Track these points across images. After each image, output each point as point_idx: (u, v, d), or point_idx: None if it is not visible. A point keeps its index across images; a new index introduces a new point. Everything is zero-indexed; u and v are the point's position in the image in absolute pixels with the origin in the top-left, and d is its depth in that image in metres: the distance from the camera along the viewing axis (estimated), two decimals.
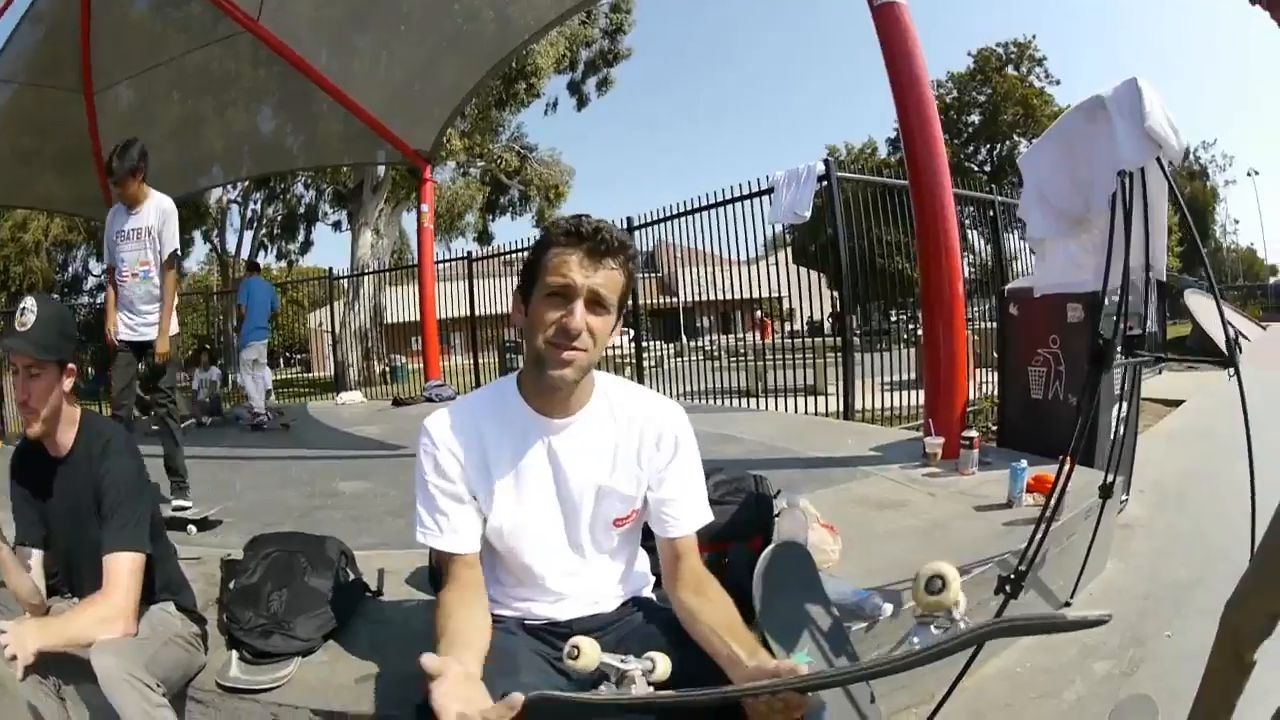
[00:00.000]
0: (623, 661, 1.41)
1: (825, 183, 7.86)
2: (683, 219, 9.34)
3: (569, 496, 1.77)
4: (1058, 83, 37.40)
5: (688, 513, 1.83)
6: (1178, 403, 8.84)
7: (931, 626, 1.45)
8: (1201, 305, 14.51)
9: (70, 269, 30.60)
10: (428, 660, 1.29)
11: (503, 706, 1.18)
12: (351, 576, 2.63)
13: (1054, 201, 3.18)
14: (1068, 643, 3.30)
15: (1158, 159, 2.78)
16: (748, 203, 8.61)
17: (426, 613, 2.36)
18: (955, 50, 40.04)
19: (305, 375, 26.80)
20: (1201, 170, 48.76)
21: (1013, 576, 2.52)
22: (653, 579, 2.03)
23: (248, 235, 29.53)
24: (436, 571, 2.70)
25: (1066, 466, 2.69)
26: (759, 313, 14.73)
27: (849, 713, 2.25)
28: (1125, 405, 4.30)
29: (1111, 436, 4.19)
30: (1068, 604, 3.58)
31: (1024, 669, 3.18)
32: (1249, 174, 53.11)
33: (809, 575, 2.44)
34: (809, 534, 2.91)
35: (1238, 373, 2.78)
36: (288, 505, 4.40)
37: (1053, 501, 2.65)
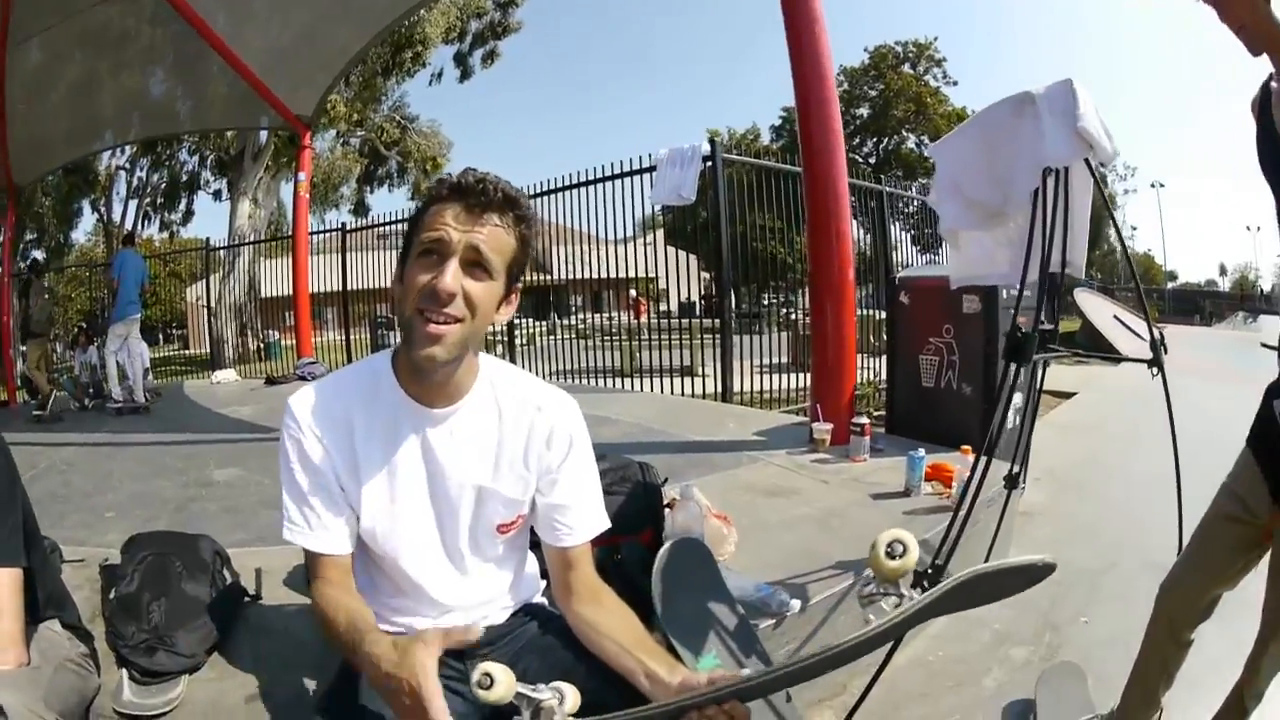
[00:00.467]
0: (534, 691, 1.24)
1: (709, 164, 7.76)
2: (560, 195, 9.19)
3: (445, 498, 1.57)
4: (955, 84, 38.40)
5: (582, 520, 1.66)
6: (1067, 395, 9.18)
7: (881, 604, 1.35)
8: (1091, 303, 15.13)
9: None
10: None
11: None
12: (228, 579, 2.46)
13: (969, 193, 3.14)
14: (979, 629, 3.34)
15: (1086, 160, 2.77)
16: (624, 182, 8.52)
17: (307, 619, 2.24)
18: (852, 47, 40.60)
19: (184, 352, 25.81)
20: (1101, 177, 50.87)
21: (929, 570, 2.48)
22: (543, 583, 1.87)
23: (133, 205, 28.35)
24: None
25: (980, 459, 2.69)
26: (633, 292, 14.72)
27: (766, 714, 2.17)
28: (1023, 396, 4.36)
29: (1010, 427, 4.25)
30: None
31: (936, 658, 3.19)
32: (1153, 185, 55.60)
33: (710, 572, 2.36)
34: (704, 526, 2.82)
35: (1162, 371, 2.78)
36: (164, 497, 4.18)
37: (970, 493, 2.64)
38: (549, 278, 16.58)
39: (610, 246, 9.66)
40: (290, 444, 1.51)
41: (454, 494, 1.56)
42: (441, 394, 1.53)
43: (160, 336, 29.19)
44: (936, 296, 4.72)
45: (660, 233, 12.69)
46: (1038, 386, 3.77)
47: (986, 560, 3.51)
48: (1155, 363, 2.85)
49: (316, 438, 1.50)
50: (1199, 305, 39.47)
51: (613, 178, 8.55)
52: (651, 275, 11.01)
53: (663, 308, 12.95)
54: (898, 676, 2.93)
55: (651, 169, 8.12)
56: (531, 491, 1.63)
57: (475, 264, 1.40)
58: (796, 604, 2.62)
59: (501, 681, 1.19)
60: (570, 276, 11.25)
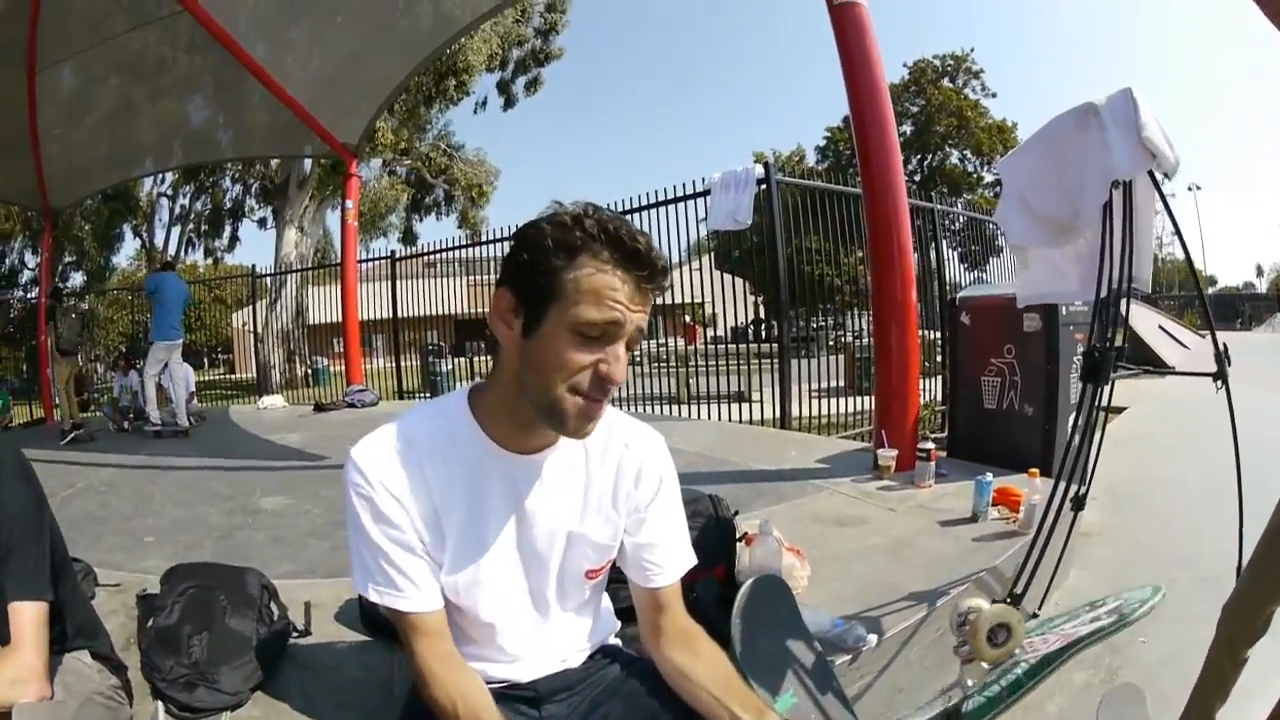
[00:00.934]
0: None
1: (764, 186, 7.63)
2: None
3: (534, 547, 1.46)
4: (994, 95, 38.16)
5: (672, 559, 1.57)
6: (1119, 409, 8.92)
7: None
8: (1135, 313, 14.84)
9: (7, 261, 29.23)
10: None
11: None
12: (276, 614, 2.37)
13: (1037, 208, 3.08)
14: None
15: (1150, 171, 2.68)
16: (674, 206, 8.38)
17: (360, 656, 2.20)
18: (890, 61, 40.67)
19: (229, 376, 26.16)
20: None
21: (1008, 600, 2.38)
22: (618, 624, 1.77)
23: (176, 231, 28.75)
24: (369, 611, 2.46)
25: (1058, 484, 2.62)
26: (687, 318, 14.65)
27: None
28: (1083, 415, 4.26)
29: (1069, 445, 4.17)
30: (1035, 615, 3.47)
31: None
32: (1189, 189, 54.98)
33: (789, 609, 2.29)
34: (780, 564, 2.74)
35: (1226, 384, 2.66)
36: (208, 524, 4.12)
37: (1049, 519, 2.57)
38: None
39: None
40: (361, 504, 1.36)
41: (543, 541, 1.46)
42: (533, 439, 1.41)
43: (205, 361, 29.61)
44: (997, 316, 4.66)
45: (710, 257, 12.59)
46: (1103, 405, 3.69)
47: (1050, 584, 3.43)
48: (1220, 376, 2.74)
49: (389, 493, 1.35)
50: (1238, 309, 38.77)
51: (668, 202, 8.42)
52: (700, 300, 10.94)
53: (712, 333, 12.86)
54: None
55: (705, 193, 8.00)
56: (620, 534, 1.53)
57: (629, 342, 1.31)
58: (874, 639, 2.54)
59: None
60: None
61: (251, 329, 18.25)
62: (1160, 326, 15.92)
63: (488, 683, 1.47)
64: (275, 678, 2.16)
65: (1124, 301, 2.84)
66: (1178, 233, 3.01)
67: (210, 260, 30.33)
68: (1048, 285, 3.34)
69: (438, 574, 1.41)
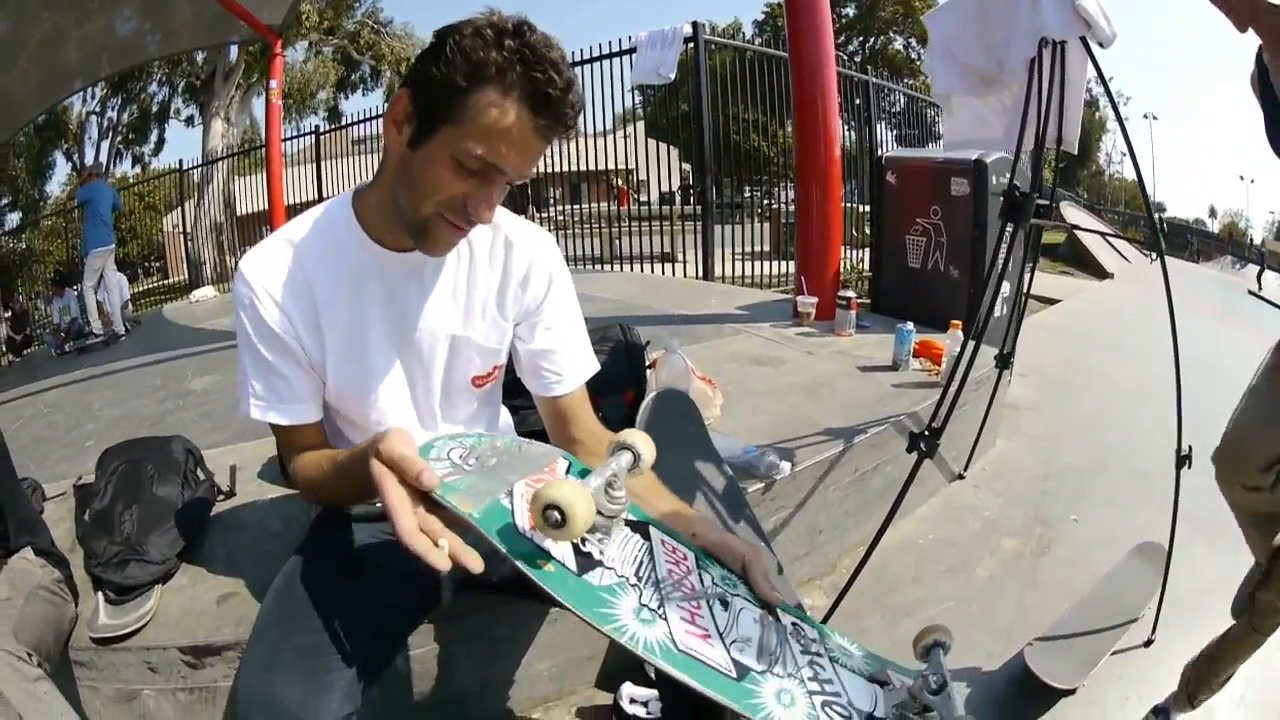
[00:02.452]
0: (611, 495, 1.11)
1: (691, 45, 7.58)
2: None
3: (417, 352, 1.45)
4: None
5: (571, 365, 1.55)
6: (1054, 300, 9.15)
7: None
8: (1077, 218, 15.08)
9: None
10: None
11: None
12: (201, 478, 2.37)
13: (962, 59, 3.10)
14: (970, 516, 3.35)
15: (1083, 39, 2.66)
16: (603, 70, 8.23)
17: (283, 508, 2.21)
18: None
19: (164, 283, 25.55)
20: (1092, 100, 50.68)
21: (926, 434, 2.39)
22: None
23: (105, 145, 27.79)
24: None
25: (975, 325, 2.64)
26: (617, 182, 14.55)
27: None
28: (1011, 285, 4.33)
29: (999, 315, 4.22)
30: (961, 476, 3.63)
31: (927, 541, 3.18)
32: (1145, 116, 55.12)
33: (696, 428, 2.23)
34: (690, 384, 2.76)
35: (1162, 258, 2.69)
36: (142, 415, 4.14)
37: (965, 358, 2.54)
38: None
39: (589, 139, 9.41)
40: (247, 313, 1.36)
41: (426, 346, 1.45)
42: (406, 239, 1.37)
43: (140, 272, 28.88)
44: (924, 177, 4.66)
45: (640, 125, 12.44)
46: (1032, 263, 3.73)
47: (974, 446, 3.51)
48: (1156, 249, 2.81)
49: (274, 301, 1.35)
50: (1187, 240, 39.50)
51: (592, 60, 8.25)
52: (630, 167, 10.81)
53: (642, 198, 12.78)
54: (888, 558, 2.94)
55: (631, 50, 7.91)
56: (508, 339, 1.52)
57: (506, 184, 1.26)
58: (786, 466, 2.56)
59: (579, 508, 0.94)
60: (548, 170, 11.00)
61: (182, 230, 17.82)
62: (1103, 235, 16.23)
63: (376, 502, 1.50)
64: (202, 543, 2.17)
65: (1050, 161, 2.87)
66: (1124, 133, 3.03)
67: (139, 168, 29.46)
68: (972, 132, 3.37)
69: (320, 389, 1.42)
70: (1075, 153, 3.12)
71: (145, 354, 6.28)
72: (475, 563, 1.00)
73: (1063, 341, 6.83)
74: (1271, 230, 51.55)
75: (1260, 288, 18.96)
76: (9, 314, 14.36)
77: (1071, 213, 16.85)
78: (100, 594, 1.92)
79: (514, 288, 1.48)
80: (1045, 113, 2.63)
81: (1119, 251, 16.21)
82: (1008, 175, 2.83)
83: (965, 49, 3.05)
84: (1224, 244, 40.62)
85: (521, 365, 1.55)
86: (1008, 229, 2.59)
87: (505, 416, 1.77)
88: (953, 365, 2.87)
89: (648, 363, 2.79)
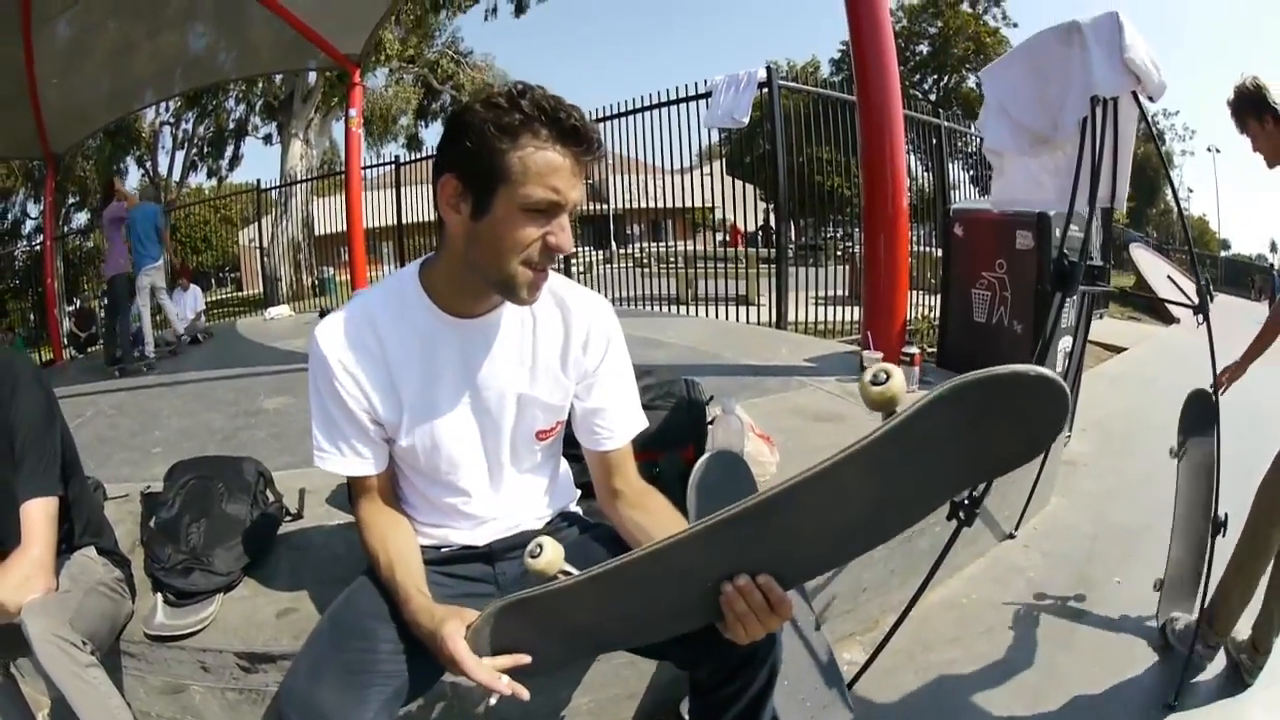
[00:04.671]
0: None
1: (765, 90, 7.64)
2: (617, 122, 9.02)
3: (487, 410, 1.56)
4: (1015, 25, 37.30)
5: (621, 422, 1.65)
6: (1120, 349, 8.94)
7: None
8: (1145, 259, 14.78)
9: (9, 216, 29.16)
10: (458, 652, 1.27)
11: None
12: (270, 499, 2.48)
13: (1016, 116, 3.08)
14: (1015, 577, 3.30)
15: (1134, 93, 2.69)
16: (683, 109, 8.36)
17: (347, 534, 2.25)
18: None
19: (237, 294, 26.13)
20: (1160, 134, 49.72)
21: (966, 503, 2.41)
22: (578, 492, 1.87)
23: (179, 156, 28.54)
24: None
25: None
26: (730, 220, 14.50)
27: (794, 640, 2.20)
28: (1073, 339, 4.28)
29: (1058, 370, 4.17)
30: (1011, 536, 3.60)
31: (969, 600, 3.15)
32: (1209, 149, 53.94)
33: (747, 487, 2.31)
34: (745, 444, 2.78)
35: (1207, 319, 2.71)
36: (212, 428, 4.24)
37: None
38: (606, 207, 16.75)
39: (669, 176, 9.56)
40: (320, 376, 1.50)
41: (495, 404, 1.55)
42: (478, 305, 1.50)
43: (213, 281, 29.55)
44: (991, 230, 4.64)
45: (722, 163, 12.53)
46: (1085, 324, 3.70)
47: (1026, 506, 3.47)
48: (1201, 309, 2.78)
49: (345, 368, 1.48)
50: (1251, 278, 38.41)
51: (670, 103, 8.40)
52: (710, 205, 10.87)
53: (721, 237, 12.78)
54: (930, 615, 2.95)
55: (707, 95, 8.01)
56: (570, 397, 1.62)
57: (572, 209, 1.38)
58: None
59: (549, 552, 1.24)
60: (629, 206, 11.12)
61: (258, 245, 18.22)
62: (1169, 276, 15.90)
63: (446, 548, 1.63)
64: (266, 559, 2.27)
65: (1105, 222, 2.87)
66: (1169, 179, 3.03)
67: (215, 181, 30.17)
68: (1023, 192, 3.36)
69: (384, 446, 1.55)
70: (1124, 210, 3.13)
71: (217, 368, 6.44)
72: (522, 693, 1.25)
73: (1125, 392, 6.69)
74: None
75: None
76: (74, 309, 14.73)
77: (1139, 254, 16.49)
78: (160, 595, 2.04)
79: (575, 350, 1.58)
80: (1097, 174, 2.65)
81: (1184, 292, 15.83)
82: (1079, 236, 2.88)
83: (1019, 107, 3.06)
84: None
85: (576, 421, 1.65)
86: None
87: (565, 467, 1.85)
88: None
89: (709, 419, 2.82)
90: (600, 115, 9.00)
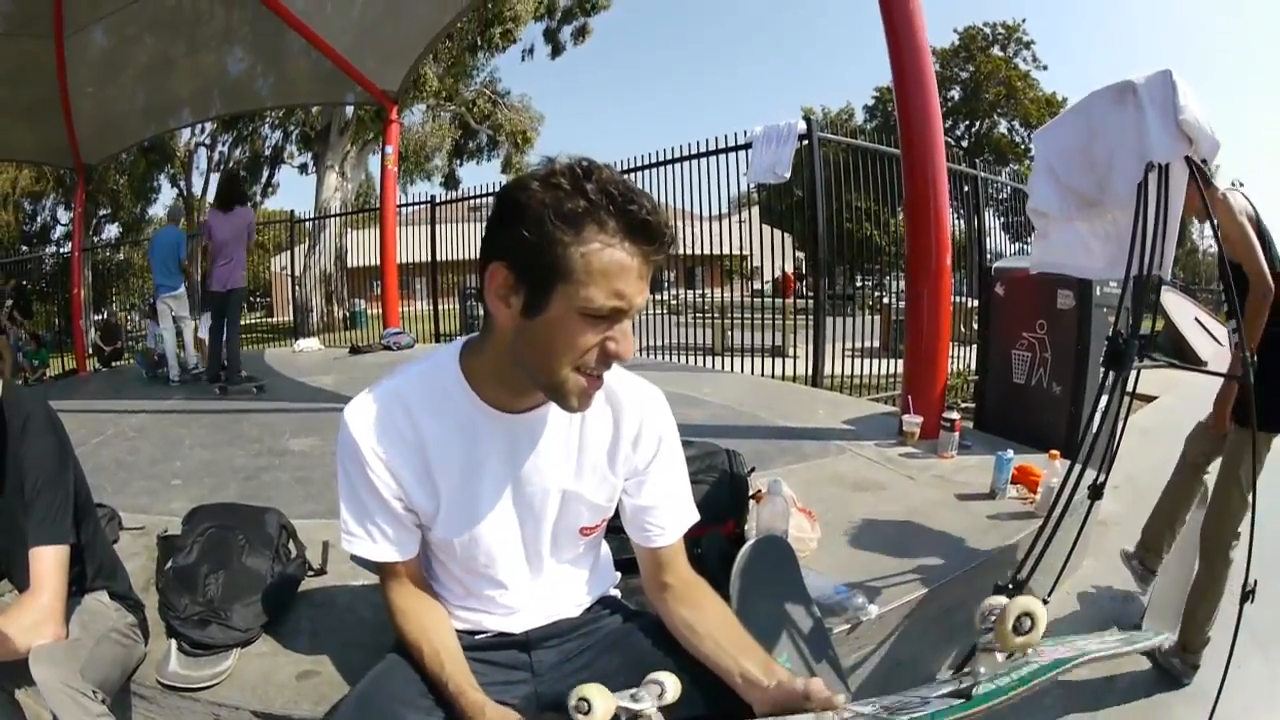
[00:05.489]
0: (634, 700, 1.18)
1: (805, 142, 7.60)
2: (652, 170, 9.02)
3: (529, 505, 1.47)
4: (1044, 68, 37.47)
5: (673, 519, 1.55)
6: (1150, 397, 8.79)
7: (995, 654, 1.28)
8: (1174, 304, 14.62)
9: (39, 219, 29.87)
10: None
11: None
12: (293, 553, 2.45)
13: (1065, 179, 3.03)
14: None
15: (1187, 157, 2.60)
16: (719, 158, 8.35)
17: (371, 596, 2.20)
18: (940, 27, 39.73)
19: (268, 320, 26.38)
20: (1204, 177, 49.90)
21: (1010, 586, 2.42)
22: (618, 576, 1.79)
23: (214, 179, 28.95)
24: None
25: (1072, 469, 2.60)
26: (789, 269, 14.46)
27: None
28: (1109, 400, 4.21)
29: (1095, 431, 4.11)
30: (1045, 601, 3.47)
31: None
32: (1233, 184, 53.99)
33: (791, 572, 2.27)
34: (789, 524, 2.74)
35: (1249, 388, 2.67)
36: (234, 465, 4.18)
37: (1060, 506, 2.54)
38: None
39: (704, 223, 9.48)
40: (350, 462, 1.40)
41: (538, 500, 1.47)
42: (525, 401, 1.40)
43: (244, 304, 29.97)
44: (1031, 289, 4.60)
45: (755, 210, 12.54)
46: (1129, 392, 3.64)
47: (1062, 570, 3.41)
48: (1244, 378, 2.72)
49: (378, 456, 1.39)
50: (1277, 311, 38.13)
51: (708, 154, 8.41)
52: (745, 253, 10.86)
53: (755, 286, 12.81)
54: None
55: (746, 146, 7.99)
56: (617, 494, 1.53)
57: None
58: (874, 610, 2.53)
59: (598, 704, 1.12)
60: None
61: (290, 273, 18.39)
62: (1196, 319, 15.71)
63: (481, 633, 1.55)
64: (287, 615, 2.22)
65: (1154, 289, 2.81)
66: (1211, 219, 2.96)
67: (250, 206, 30.57)
68: (1068, 257, 3.29)
69: (415, 528, 1.47)
70: (1169, 278, 3.07)
71: (242, 399, 6.44)
72: None
73: (1157, 445, 6.50)
74: None
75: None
76: (100, 320, 14.91)
77: (1169, 298, 16.35)
78: (174, 642, 1.99)
79: (625, 447, 1.49)
80: (1154, 241, 2.61)
81: (1212, 334, 15.68)
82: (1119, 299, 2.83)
83: (1068, 168, 3.01)
84: None
85: (626, 516, 1.55)
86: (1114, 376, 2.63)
87: (606, 550, 1.78)
88: (1046, 501, 2.82)
89: (750, 492, 2.76)
90: (639, 164, 9.05)
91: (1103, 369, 2.55)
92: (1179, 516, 3.48)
